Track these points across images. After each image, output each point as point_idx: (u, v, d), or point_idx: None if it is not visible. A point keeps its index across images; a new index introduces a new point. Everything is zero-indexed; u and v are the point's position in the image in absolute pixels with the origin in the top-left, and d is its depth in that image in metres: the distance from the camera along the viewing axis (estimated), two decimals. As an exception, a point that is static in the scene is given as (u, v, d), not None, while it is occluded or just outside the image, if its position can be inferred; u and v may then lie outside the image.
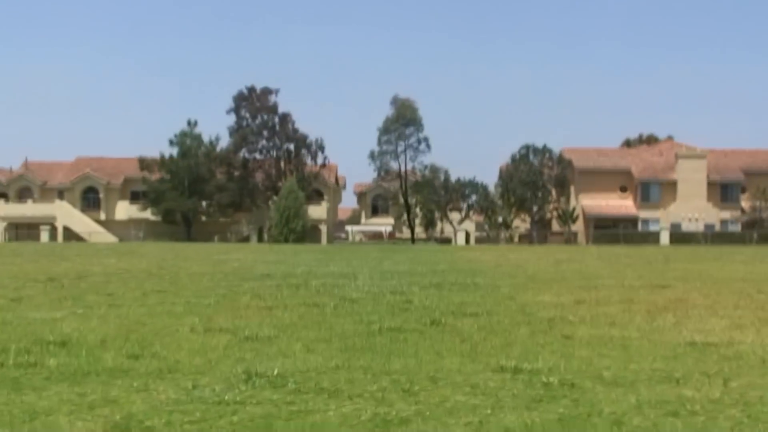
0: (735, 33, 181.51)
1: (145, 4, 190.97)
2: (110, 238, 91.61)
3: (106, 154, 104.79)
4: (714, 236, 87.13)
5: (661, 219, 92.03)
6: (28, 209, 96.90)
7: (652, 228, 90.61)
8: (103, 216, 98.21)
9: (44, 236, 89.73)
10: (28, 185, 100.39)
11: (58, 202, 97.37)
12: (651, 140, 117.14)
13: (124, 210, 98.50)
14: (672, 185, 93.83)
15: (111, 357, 10.06)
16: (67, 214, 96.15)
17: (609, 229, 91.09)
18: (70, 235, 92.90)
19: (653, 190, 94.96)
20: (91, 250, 53.01)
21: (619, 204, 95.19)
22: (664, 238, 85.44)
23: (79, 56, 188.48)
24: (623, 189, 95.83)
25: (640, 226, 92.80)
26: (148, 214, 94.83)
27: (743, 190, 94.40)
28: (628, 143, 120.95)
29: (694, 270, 30.62)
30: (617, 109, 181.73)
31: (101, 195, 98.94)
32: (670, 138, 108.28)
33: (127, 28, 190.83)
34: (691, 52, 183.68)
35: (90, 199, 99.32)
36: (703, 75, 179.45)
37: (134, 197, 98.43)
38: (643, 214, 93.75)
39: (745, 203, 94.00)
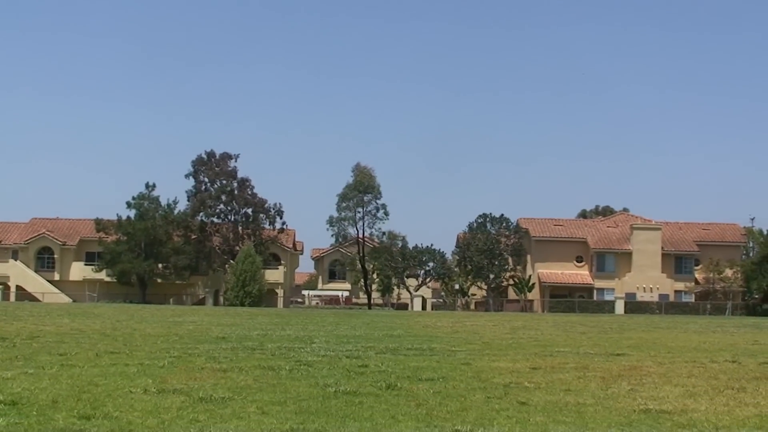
0: (689, 109, 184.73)
1: (105, 66, 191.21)
2: (64, 299, 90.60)
3: (62, 215, 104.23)
4: (668, 306, 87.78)
5: (616, 289, 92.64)
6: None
7: (607, 297, 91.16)
8: (57, 276, 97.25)
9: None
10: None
11: (11, 262, 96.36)
12: (607, 212, 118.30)
13: (79, 271, 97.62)
14: (627, 256, 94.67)
15: (62, 417, 9.95)
16: (20, 273, 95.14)
17: (564, 298, 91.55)
18: (23, 295, 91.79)
19: (608, 260, 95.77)
20: (45, 310, 52.38)
21: (575, 273, 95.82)
22: (619, 307, 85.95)
23: (35, 116, 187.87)
24: (579, 259, 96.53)
25: (595, 296, 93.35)
26: (103, 276, 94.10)
27: (697, 262, 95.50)
28: (584, 215, 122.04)
29: (648, 339, 30.82)
30: (573, 182, 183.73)
31: (56, 255, 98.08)
32: (625, 210, 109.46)
33: (86, 89, 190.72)
34: (648, 128, 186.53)
35: (44, 260, 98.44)
36: (659, 150, 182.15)
37: (89, 258, 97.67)
38: (599, 283, 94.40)
39: (698, 275, 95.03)
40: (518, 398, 12.49)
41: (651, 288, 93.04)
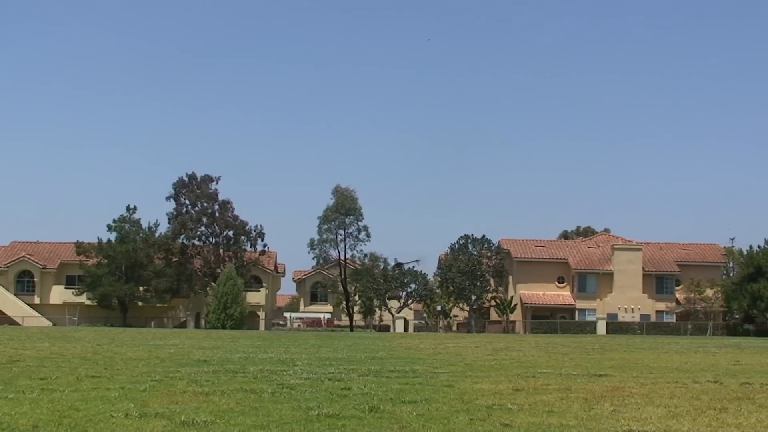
0: (670, 129, 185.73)
1: (86, 87, 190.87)
2: (44, 323, 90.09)
3: (42, 238, 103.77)
4: (649, 326, 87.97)
5: (598, 309, 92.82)
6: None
7: (589, 318, 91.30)
8: (37, 300, 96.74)
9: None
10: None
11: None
12: (588, 232, 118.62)
13: (59, 294, 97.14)
14: (608, 276, 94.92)
15: (43, 442, 9.87)
16: (0, 297, 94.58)
17: (546, 319, 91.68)
18: (2, 318, 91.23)
19: (590, 281, 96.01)
20: (24, 334, 52.08)
21: (557, 294, 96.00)
22: (601, 328, 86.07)
23: (16, 139, 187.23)
24: (560, 280, 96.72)
25: (577, 316, 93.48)
26: (83, 299, 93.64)
27: (678, 283, 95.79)
28: (565, 236, 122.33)
29: (630, 359, 30.86)
30: (555, 203, 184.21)
31: (36, 279, 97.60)
32: (606, 231, 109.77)
33: (67, 111, 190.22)
34: (629, 148, 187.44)
35: (24, 283, 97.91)
36: (640, 171, 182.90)
37: (70, 282, 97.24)
38: (580, 304, 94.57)
39: (679, 295, 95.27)
40: (501, 420, 12.48)
41: (632, 308, 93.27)
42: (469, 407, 14.04)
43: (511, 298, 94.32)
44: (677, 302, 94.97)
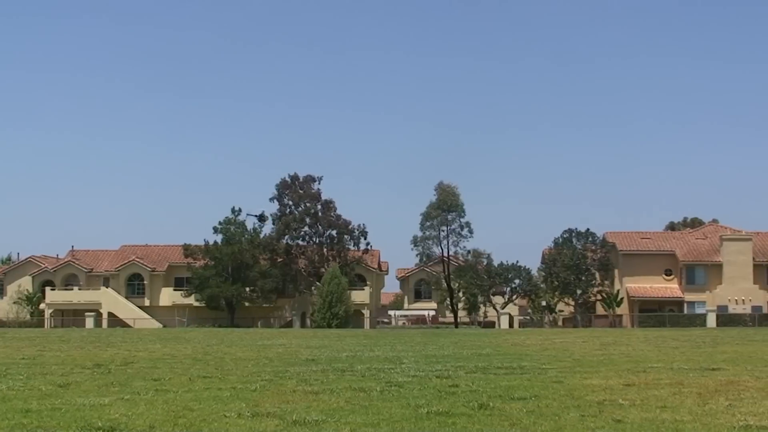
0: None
1: (191, 94, 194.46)
2: (154, 324, 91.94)
3: (150, 242, 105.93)
4: (762, 318, 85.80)
5: (707, 302, 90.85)
6: (74, 296, 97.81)
7: (698, 311, 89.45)
8: (147, 302, 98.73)
9: (89, 322, 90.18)
10: (74, 273, 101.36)
11: (103, 289, 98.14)
12: (695, 223, 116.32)
13: (168, 296, 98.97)
14: (717, 268, 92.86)
15: (160, 442, 10.05)
16: (112, 300, 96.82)
17: (654, 313, 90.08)
18: (114, 321, 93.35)
19: (698, 272, 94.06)
20: (136, 336, 53.22)
21: (664, 287, 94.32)
22: (711, 320, 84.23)
23: (126, 146, 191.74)
24: (668, 272, 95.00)
25: (685, 309, 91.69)
26: (191, 300, 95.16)
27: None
28: (672, 227, 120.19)
29: (743, 352, 30.16)
30: (661, 194, 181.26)
31: (146, 282, 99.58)
32: (714, 221, 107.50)
33: (173, 116, 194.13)
34: (736, 136, 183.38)
35: (135, 286, 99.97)
36: (749, 158, 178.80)
37: (178, 284, 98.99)
38: (689, 296, 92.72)
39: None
40: (613, 416, 12.31)
41: (743, 300, 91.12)
42: (580, 403, 13.89)
43: (618, 291, 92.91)
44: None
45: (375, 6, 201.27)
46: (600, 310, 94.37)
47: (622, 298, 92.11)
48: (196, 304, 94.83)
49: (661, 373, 20.11)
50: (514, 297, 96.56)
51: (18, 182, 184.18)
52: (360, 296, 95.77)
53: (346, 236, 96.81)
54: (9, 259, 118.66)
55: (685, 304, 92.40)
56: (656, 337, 47.58)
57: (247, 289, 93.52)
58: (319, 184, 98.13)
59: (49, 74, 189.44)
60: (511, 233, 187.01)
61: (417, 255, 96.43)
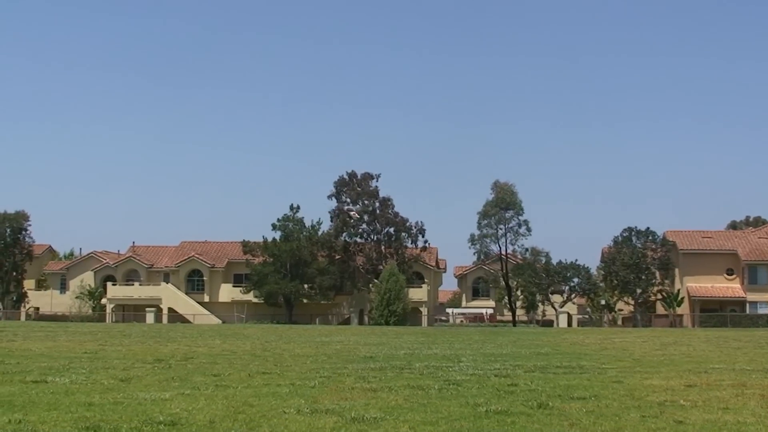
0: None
1: (248, 91, 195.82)
2: (213, 320, 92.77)
3: (210, 238, 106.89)
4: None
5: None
6: (135, 291, 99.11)
7: (761, 311, 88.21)
8: (206, 298, 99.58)
9: (150, 317, 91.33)
10: (135, 268, 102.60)
11: (163, 285, 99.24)
12: (758, 222, 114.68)
13: (228, 292, 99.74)
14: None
15: (221, 437, 10.13)
16: (172, 296, 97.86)
17: (716, 312, 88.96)
18: (174, 316, 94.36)
19: (761, 272, 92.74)
20: (196, 331, 53.69)
21: (726, 287, 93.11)
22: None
23: (188, 145, 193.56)
24: (729, 272, 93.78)
25: (747, 309, 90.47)
26: (250, 297, 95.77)
27: None
28: (734, 226, 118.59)
29: (808, 354, 29.66)
30: (722, 192, 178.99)
31: (205, 278, 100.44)
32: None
33: (233, 115, 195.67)
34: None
35: (194, 282, 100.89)
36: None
37: (237, 280, 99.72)
38: (751, 296, 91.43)
39: None
40: (675, 417, 12.18)
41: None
42: (640, 404, 13.76)
43: (678, 291, 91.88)
44: None
45: (447, 8, 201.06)
46: (660, 309, 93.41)
47: (682, 298, 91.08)
48: (255, 300, 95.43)
49: (723, 374, 19.85)
50: (573, 296, 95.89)
51: (80, 178, 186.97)
52: (417, 294, 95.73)
53: (403, 234, 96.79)
54: (72, 254, 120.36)
55: (747, 305, 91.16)
56: (718, 337, 46.99)
57: (305, 286, 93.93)
58: (377, 181, 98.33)
59: (117, 74, 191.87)
60: (570, 231, 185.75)
61: (474, 253, 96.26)
